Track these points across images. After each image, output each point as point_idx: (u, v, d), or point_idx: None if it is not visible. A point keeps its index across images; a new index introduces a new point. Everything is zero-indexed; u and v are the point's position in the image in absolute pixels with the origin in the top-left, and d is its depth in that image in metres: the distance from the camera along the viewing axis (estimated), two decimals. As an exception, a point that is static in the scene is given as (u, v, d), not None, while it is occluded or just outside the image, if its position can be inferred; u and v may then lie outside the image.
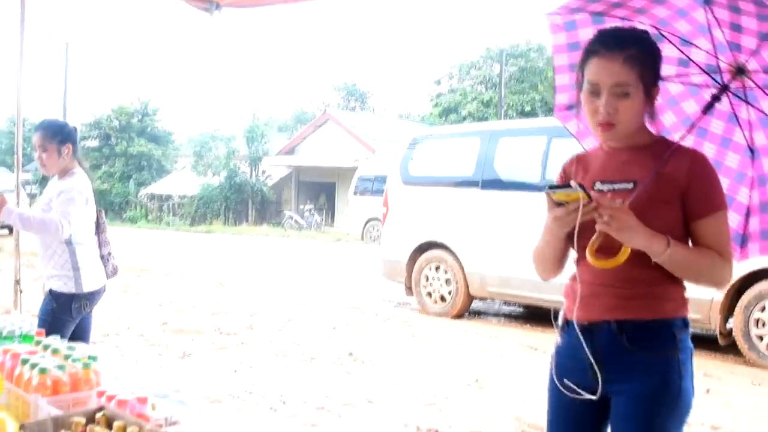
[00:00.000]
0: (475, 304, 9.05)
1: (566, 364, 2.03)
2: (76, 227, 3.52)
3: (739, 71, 2.15)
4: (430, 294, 8.62)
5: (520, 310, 9.23)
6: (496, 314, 9.10)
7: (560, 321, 2.07)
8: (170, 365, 5.66)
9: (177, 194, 32.43)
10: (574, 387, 1.98)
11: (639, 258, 1.86)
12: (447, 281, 8.42)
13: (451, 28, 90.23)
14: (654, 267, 1.87)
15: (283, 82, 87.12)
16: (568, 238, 1.93)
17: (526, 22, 76.14)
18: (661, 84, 1.99)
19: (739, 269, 6.31)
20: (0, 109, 53.82)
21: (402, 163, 9.04)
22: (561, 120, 2.47)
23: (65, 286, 3.56)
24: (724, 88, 2.17)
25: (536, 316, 8.41)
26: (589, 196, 1.80)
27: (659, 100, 2.07)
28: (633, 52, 1.86)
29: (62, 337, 2.68)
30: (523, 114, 30.23)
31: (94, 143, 35.19)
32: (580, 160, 2.09)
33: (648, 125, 2.00)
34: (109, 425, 1.73)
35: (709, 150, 2.23)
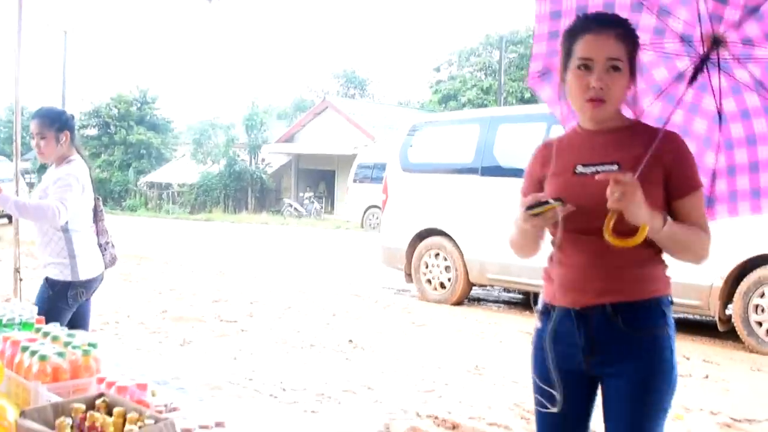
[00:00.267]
0: (475, 291, 9.07)
1: (553, 348, 2.05)
2: (72, 214, 3.51)
3: (716, 42, 2.19)
4: (429, 281, 8.63)
5: (520, 296, 9.25)
6: (496, 301, 9.12)
7: (540, 305, 2.11)
8: (170, 353, 5.67)
9: (176, 182, 32.41)
10: (548, 389, 2.04)
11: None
12: (446, 268, 8.43)
13: (451, 14, 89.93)
14: (640, 247, 1.90)
15: (282, 69, 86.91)
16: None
17: (525, 8, 75.85)
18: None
19: (739, 255, 6.35)
20: (-2, 97, 53.62)
21: (401, 150, 9.03)
22: (533, 87, 2.49)
23: (61, 274, 3.56)
24: (704, 60, 2.20)
25: (536, 302, 8.40)
26: (564, 204, 1.88)
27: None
28: (622, 31, 1.96)
29: (60, 325, 2.68)
30: (522, 101, 30.14)
31: (93, 132, 35.10)
32: (557, 145, 2.11)
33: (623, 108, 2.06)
34: (109, 412, 1.73)
35: (678, 116, 2.29)
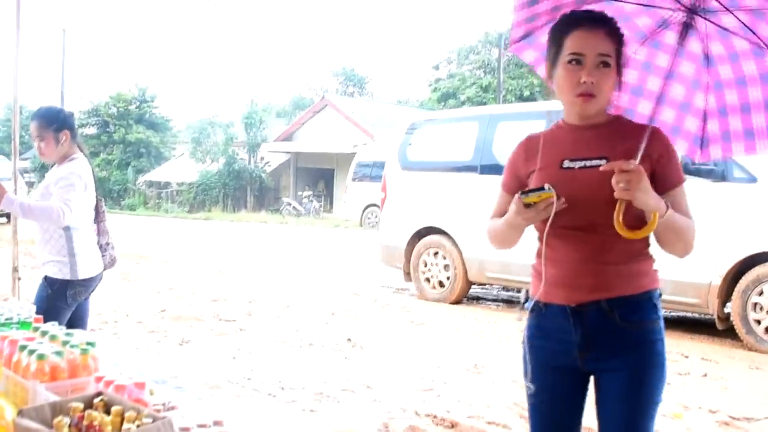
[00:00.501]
0: (474, 290, 9.08)
1: (545, 346, 2.07)
2: (75, 213, 3.51)
3: None
4: (428, 279, 8.63)
5: (519, 295, 9.24)
6: (495, 300, 9.11)
7: (530, 303, 2.12)
8: (169, 352, 5.67)
9: (175, 181, 32.40)
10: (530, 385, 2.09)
11: (616, 235, 1.91)
12: (445, 267, 8.43)
13: (450, 12, 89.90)
14: (630, 242, 1.93)
15: (281, 67, 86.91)
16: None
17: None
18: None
19: (737, 253, 6.35)
20: (-3, 96, 53.59)
21: (400, 148, 9.03)
22: (517, 52, 2.47)
23: (60, 273, 3.56)
24: (692, 9, 2.20)
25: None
26: (558, 196, 1.88)
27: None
28: (612, 29, 1.99)
29: (58, 324, 2.68)
30: (521, 99, 30.12)
31: (92, 131, 35.10)
32: (543, 139, 2.11)
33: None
34: (107, 410, 1.73)
35: (662, 60, 2.30)
